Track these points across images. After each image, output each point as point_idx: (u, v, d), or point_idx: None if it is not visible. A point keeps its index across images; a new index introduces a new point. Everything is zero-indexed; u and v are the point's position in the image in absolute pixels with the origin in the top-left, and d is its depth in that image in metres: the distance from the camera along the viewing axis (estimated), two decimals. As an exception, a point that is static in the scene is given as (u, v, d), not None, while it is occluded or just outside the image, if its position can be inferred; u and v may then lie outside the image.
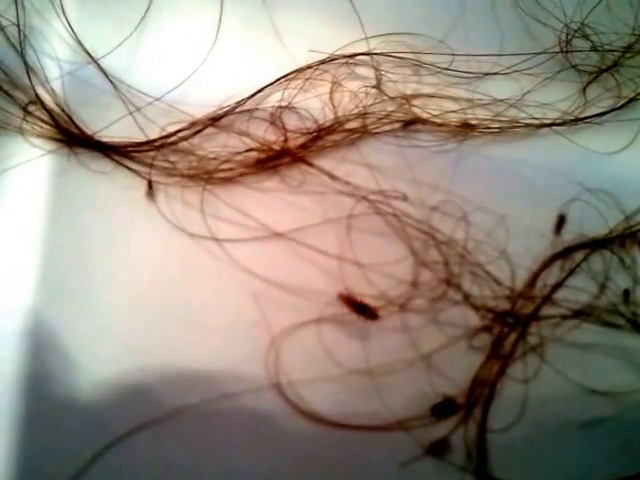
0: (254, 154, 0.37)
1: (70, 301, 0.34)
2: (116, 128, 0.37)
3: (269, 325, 0.33)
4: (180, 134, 0.36)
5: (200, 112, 0.37)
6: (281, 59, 0.39)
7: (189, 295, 0.34)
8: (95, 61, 0.38)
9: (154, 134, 0.37)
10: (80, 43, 0.38)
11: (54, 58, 0.38)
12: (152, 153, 0.36)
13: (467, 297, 0.34)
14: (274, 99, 0.38)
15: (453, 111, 0.39)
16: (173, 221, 0.35)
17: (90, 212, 0.35)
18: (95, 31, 0.39)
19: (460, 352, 0.33)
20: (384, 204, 0.35)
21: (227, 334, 0.34)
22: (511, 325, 0.33)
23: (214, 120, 0.37)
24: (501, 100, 0.39)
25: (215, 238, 0.35)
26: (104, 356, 0.33)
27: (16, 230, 0.35)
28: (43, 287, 0.34)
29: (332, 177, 0.36)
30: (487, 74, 0.40)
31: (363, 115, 0.38)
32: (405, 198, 0.35)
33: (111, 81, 0.37)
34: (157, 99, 0.37)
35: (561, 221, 0.36)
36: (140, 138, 0.36)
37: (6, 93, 0.37)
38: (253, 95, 0.37)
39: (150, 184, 0.35)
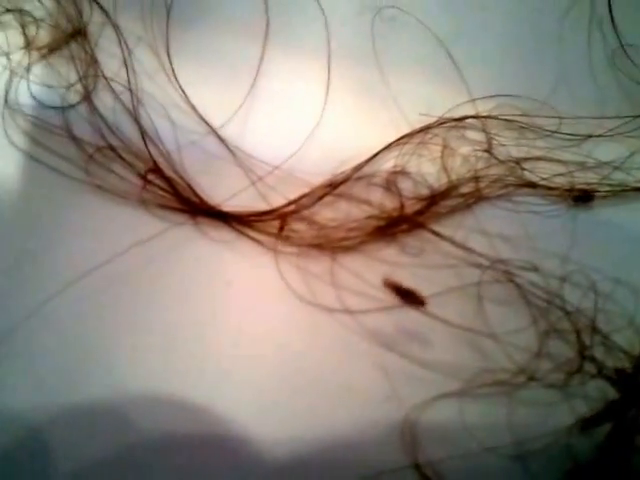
0: (372, 221, 0.36)
1: (190, 374, 0.33)
2: (234, 196, 0.36)
3: (401, 400, 0.33)
4: (301, 202, 0.36)
5: (313, 178, 0.37)
6: (388, 123, 0.39)
7: (315, 369, 0.34)
8: (215, 131, 0.37)
9: (272, 202, 0.36)
10: (196, 111, 0.38)
11: (170, 124, 0.37)
12: (275, 222, 0.35)
13: (601, 370, 0.33)
14: (386, 163, 0.38)
15: (561, 174, 0.39)
16: (299, 292, 0.35)
17: (213, 283, 0.35)
18: (206, 95, 0.38)
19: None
20: (510, 273, 0.35)
21: (357, 410, 0.33)
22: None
23: (333, 187, 0.36)
24: (606, 163, 0.39)
25: (347, 310, 0.34)
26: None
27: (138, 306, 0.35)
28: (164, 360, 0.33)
29: (458, 246, 0.35)
30: (590, 136, 0.40)
31: (476, 179, 0.38)
32: (536, 269, 0.35)
33: (231, 150, 0.37)
34: (277, 167, 0.36)
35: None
36: (259, 206, 0.36)
37: (124, 160, 0.36)
38: (369, 160, 0.37)
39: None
